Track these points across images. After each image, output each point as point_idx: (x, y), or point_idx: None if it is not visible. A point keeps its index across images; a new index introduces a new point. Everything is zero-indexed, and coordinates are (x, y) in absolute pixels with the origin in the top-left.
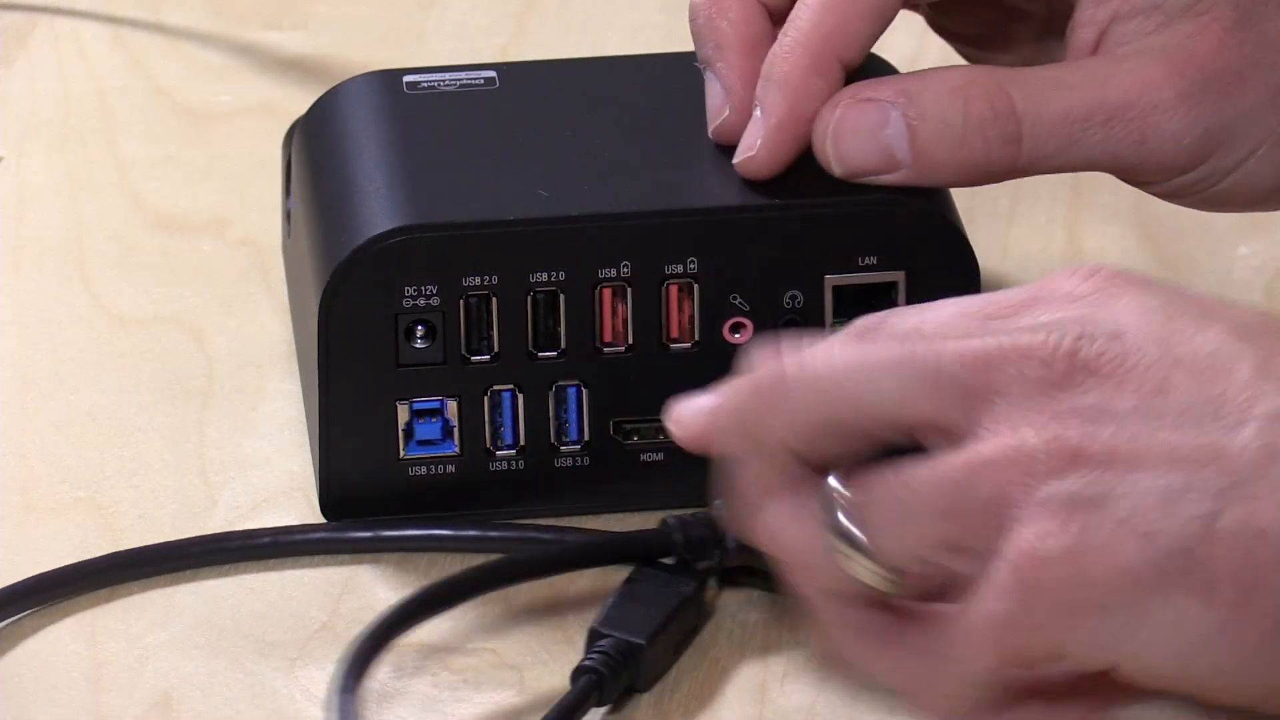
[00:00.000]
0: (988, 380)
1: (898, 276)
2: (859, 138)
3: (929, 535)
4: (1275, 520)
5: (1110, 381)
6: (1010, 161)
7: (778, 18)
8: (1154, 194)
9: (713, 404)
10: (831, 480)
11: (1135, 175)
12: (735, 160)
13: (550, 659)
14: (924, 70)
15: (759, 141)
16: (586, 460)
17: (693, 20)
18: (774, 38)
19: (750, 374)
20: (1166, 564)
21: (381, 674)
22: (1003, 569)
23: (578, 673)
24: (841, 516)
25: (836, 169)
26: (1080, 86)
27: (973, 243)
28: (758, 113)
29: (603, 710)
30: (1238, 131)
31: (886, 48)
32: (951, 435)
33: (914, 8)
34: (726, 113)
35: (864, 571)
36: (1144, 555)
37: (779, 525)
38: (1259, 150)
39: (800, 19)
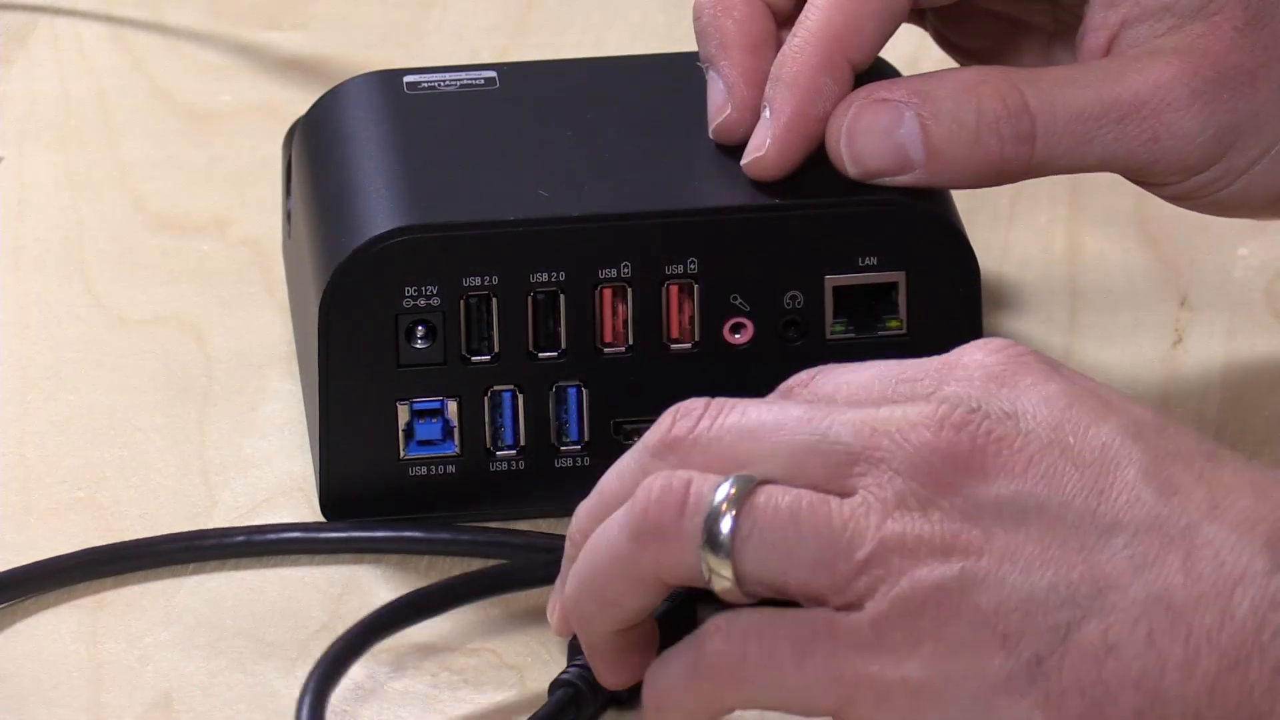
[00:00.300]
0: (874, 445)
1: (898, 277)
2: (873, 138)
3: (796, 575)
4: (1129, 637)
5: (995, 462)
6: (1024, 160)
7: (782, 19)
8: (1165, 197)
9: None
10: (729, 487)
11: (1148, 176)
12: (744, 161)
13: (550, 659)
14: (937, 71)
15: (768, 142)
16: (586, 460)
17: (697, 19)
18: (778, 39)
19: (674, 420)
20: (1019, 671)
21: (381, 674)
22: (864, 628)
23: (555, 685)
24: (724, 524)
25: (851, 170)
26: (1093, 85)
27: (973, 243)
28: (766, 113)
29: None
30: (1250, 130)
31: (887, 48)
32: (840, 496)
33: (919, 20)
34: (728, 111)
35: (719, 579)
36: (998, 659)
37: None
38: (1272, 149)
39: (810, 19)
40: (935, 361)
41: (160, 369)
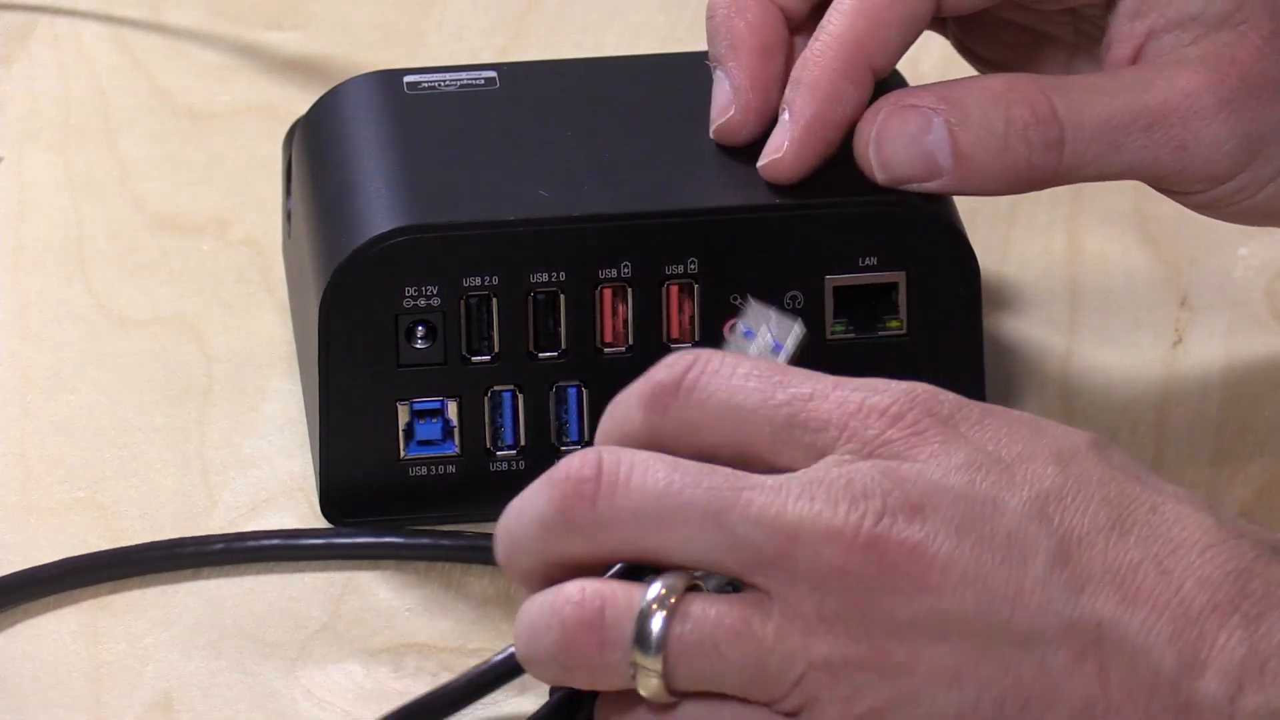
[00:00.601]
0: (787, 553)
1: (898, 277)
2: (902, 144)
3: (727, 684)
4: None
5: (909, 580)
6: (1052, 167)
7: (796, 26)
8: (1192, 206)
9: (509, 523)
10: (660, 587)
11: (1174, 184)
12: (760, 163)
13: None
14: (965, 78)
15: (786, 144)
16: None
17: (709, 17)
18: (789, 45)
19: (561, 484)
20: None
21: (381, 674)
22: None
23: (555, 686)
24: (655, 625)
25: (880, 176)
26: (1121, 93)
27: (973, 243)
28: (785, 115)
29: None
30: (1276, 140)
31: None
32: (759, 593)
33: (940, 28)
34: (731, 113)
35: (646, 680)
36: None
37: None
38: None
39: (832, 24)
40: (831, 407)
41: (160, 369)
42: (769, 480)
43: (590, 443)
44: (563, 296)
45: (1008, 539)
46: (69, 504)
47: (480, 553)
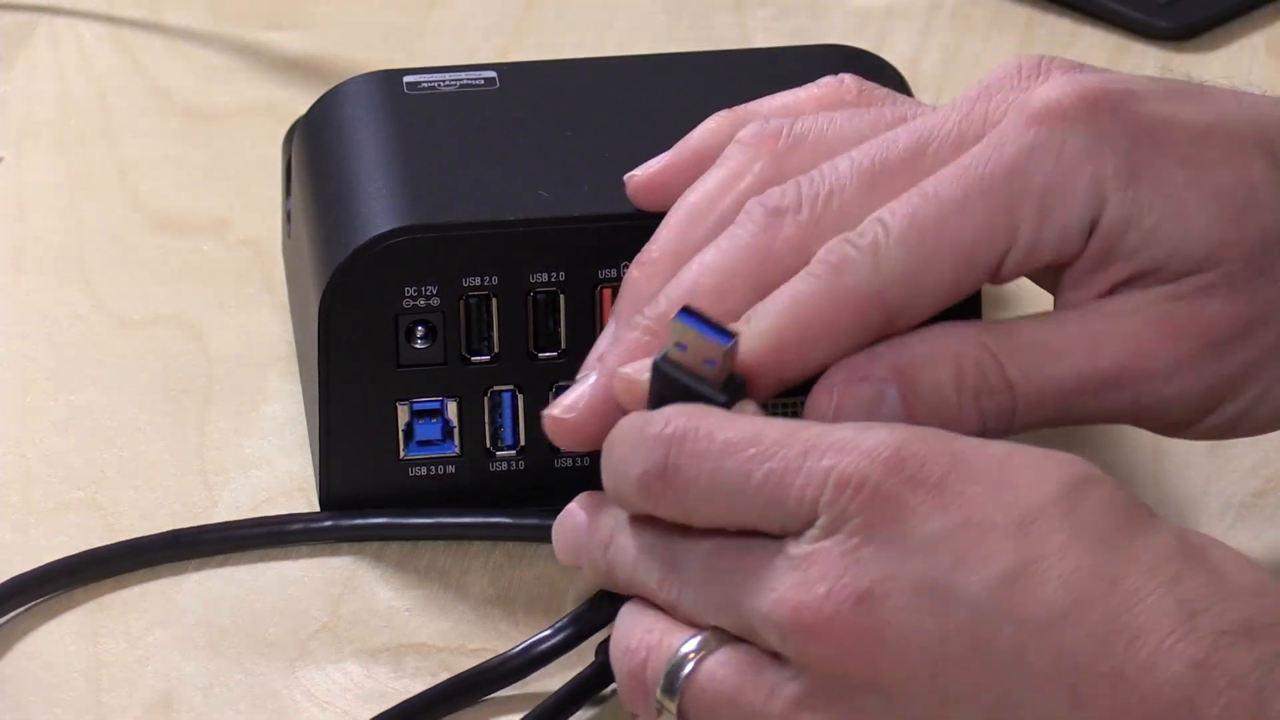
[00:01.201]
0: (792, 632)
1: None
2: (859, 419)
3: None
4: None
5: (883, 673)
6: (1002, 430)
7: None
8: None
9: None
10: (693, 645)
11: (1137, 425)
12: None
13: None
14: (916, 334)
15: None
16: (586, 460)
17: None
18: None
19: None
20: None
21: (381, 674)
22: None
23: (602, 649)
24: (679, 674)
25: None
26: (1073, 354)
27: None
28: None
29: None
30: (1248, 376)
31: (887, 48)
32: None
33: None
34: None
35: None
36: None
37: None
38: (1272, 389)
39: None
40: (805, 483)
41: (160, 369)
42: (763, 564)
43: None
44: (563, 296)
45: (958, 628)
46: (69, 504)
47: (478, 529)
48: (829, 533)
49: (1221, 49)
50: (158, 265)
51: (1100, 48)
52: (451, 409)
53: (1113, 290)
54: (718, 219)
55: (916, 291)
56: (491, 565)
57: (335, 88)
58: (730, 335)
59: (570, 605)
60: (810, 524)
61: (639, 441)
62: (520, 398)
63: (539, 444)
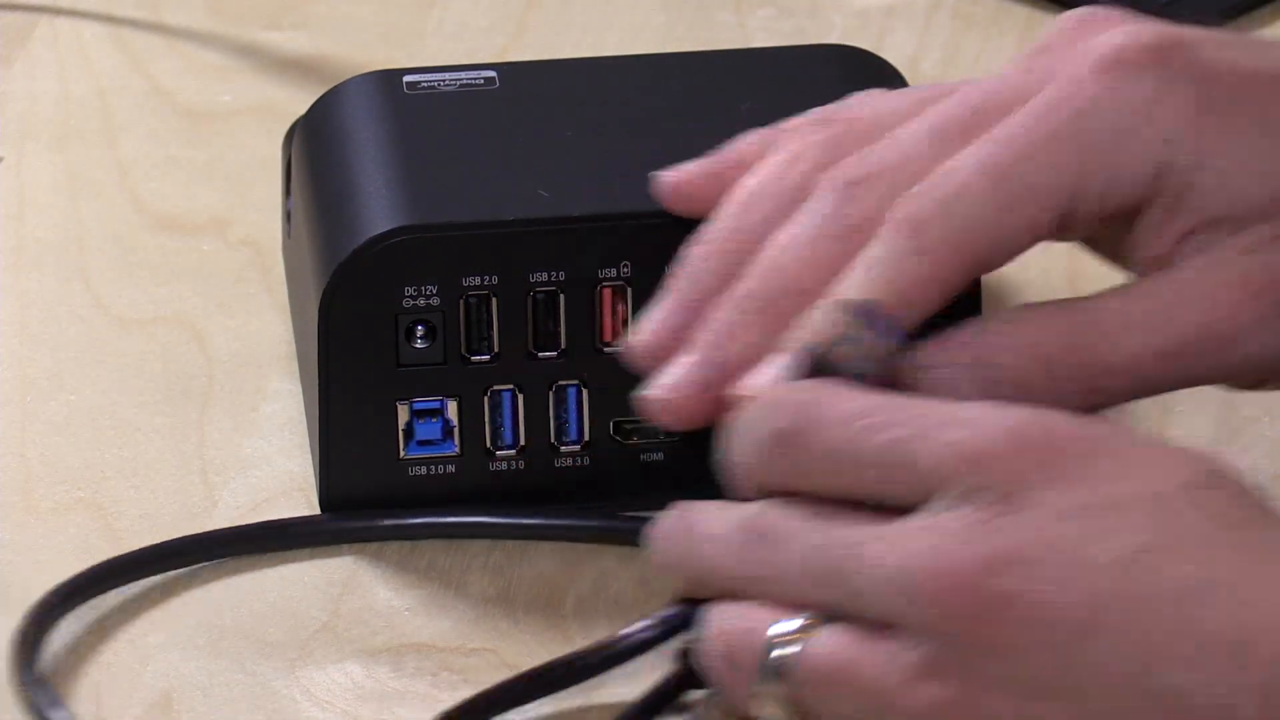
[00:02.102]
0: (898, 613)
1: None
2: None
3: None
4: None
5: (1008, 641)
6: (1098, 406)
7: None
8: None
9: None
10: (795, 625)
11: (1218, 384)
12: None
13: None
14: (1000, 318)
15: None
16: (586, 460)
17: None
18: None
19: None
20: None
21: (381, 674)
22: None
23: (682, 653)
24: (793, 662)
25: None
26: (1154, 324)
27: None
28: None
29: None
30: None
31: (887, 48)
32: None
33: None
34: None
35: (772, 705)
36: None
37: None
38: None
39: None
40: (934, 449)
41: (160, 369)
42: (885, 530)
43: (590, 442)
44: (563, 296)
45: (1090, 598)
46: (69, 504)
47: (473, 528)
48: (963, 502)
49: None
50: (158, 265)
51: None
52: (451, 409)
53: (1183, 240)
54: (779, 200)
55: (997, 236)
56: (491, 565)
57: (335, 88)
58: (900, 330)
59: (570, 605)
60: (933, 495)
61: (774, 403)
62: (520, 397)
63: (539, 444)
